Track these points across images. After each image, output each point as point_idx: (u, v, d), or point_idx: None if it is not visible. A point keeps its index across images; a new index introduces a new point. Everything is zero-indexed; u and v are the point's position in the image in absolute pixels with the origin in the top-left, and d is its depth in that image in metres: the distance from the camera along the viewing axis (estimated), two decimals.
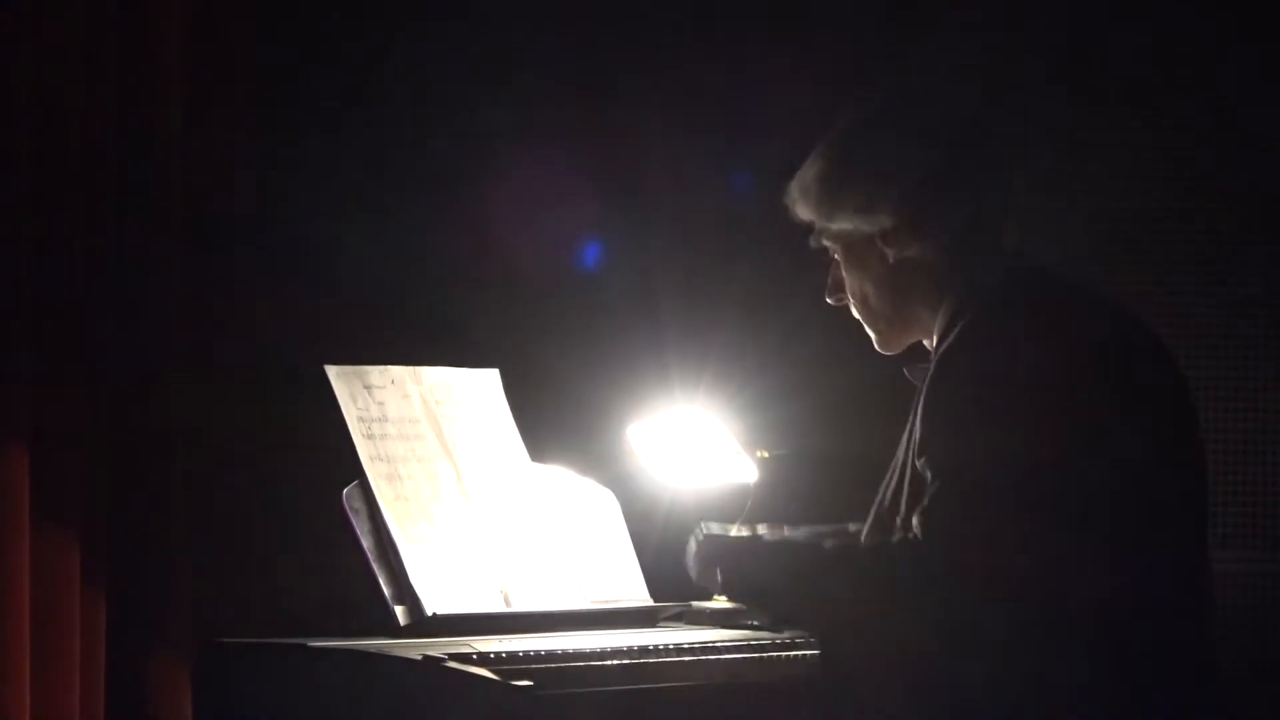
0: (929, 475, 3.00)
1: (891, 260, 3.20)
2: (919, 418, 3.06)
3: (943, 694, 2.97)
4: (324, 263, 4.03)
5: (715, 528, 3.58)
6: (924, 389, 3.07)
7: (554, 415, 4.20)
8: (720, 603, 3.94)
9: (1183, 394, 3.12)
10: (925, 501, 2.98)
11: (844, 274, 3.29)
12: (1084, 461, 2.93)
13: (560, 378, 4.28)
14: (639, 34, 4.43)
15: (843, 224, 3.24)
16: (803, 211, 3.30)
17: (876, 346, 3.32)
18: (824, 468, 4.20)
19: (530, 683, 3.29)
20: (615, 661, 3.50)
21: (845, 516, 3.38)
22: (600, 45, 4.40)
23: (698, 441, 4.08)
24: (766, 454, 4.07)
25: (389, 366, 3.88)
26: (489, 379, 4.02)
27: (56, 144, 3.45)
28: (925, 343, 3.25)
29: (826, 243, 3.29)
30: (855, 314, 3.32)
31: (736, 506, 4.05)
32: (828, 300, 3.34)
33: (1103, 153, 4.44)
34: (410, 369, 3.91)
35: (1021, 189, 3.24)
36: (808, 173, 3.28)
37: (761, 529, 3.55)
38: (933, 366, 3.08)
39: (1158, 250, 4.43)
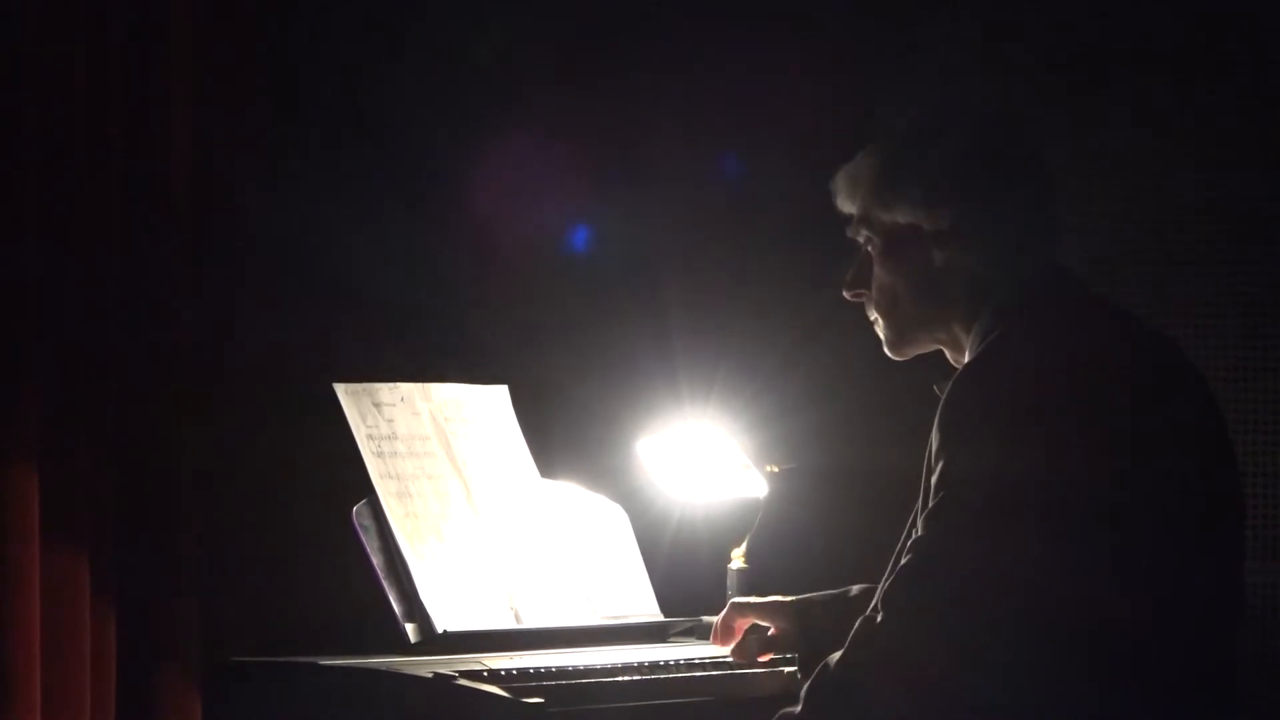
0: (935, 486, 2.99)
1: (939, 263, 3.14)
2: (934, 430, 3.04)
3: (951, 709, 2.95)
4: (333, 277, 4.02)
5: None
6: (941, 402, 3.05)
7: (563, 430, 4.20)
8: None
9: (1210, 415, 3.09)
10: (926, 511, 2.98)
11: (877, 270, 3.20)
12: (1098, 478, 2.92)
13: (569, 393, 4.27)
14: (646, 37, 4.43)
15: (899, 215, 3.16)
16: (849, 200, 3.23)
17: (887, 349, 3.24)
18: (834, 482, 4.19)
19: (541, 700, 3.29)
20: (626, 678, 3.49)
21: (853, 531, 3.36)
22: (611, 52, 4.39)
23: (707, 456, 4.07)
24: (776, 468, 4.06)
25: (398, 384, 3.87)
26: (498, 395, 4.02)
27: (63, 156, 3.44)
28: (949, 354, 3.22)
29: (866, 234, 3.21)
30: (872, 313, 3.25)
31: (746, 521, 4.04)
32: (844, 294, 3.26)
33: (1110, 155, 4.42)
34: (419, 386, 3.91)
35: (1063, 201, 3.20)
36: (864, 162, 3.22)
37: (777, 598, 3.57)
38: (951, 382, 3.05)
39: (1164, 257, 4.42)
